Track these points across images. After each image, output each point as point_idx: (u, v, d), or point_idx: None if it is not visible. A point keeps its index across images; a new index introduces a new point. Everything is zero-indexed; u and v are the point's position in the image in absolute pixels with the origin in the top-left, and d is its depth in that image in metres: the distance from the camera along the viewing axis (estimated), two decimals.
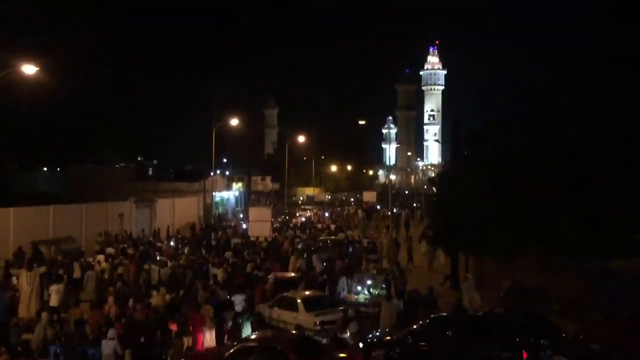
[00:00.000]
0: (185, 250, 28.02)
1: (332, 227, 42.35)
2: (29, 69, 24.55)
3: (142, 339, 14.08)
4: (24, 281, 17.02)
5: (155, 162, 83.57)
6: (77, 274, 21.31)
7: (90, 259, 24.22)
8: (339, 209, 63.32)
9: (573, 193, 18.82)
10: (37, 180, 77.62)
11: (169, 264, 23.08)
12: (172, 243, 32.64)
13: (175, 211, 43.32)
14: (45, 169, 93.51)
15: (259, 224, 34.73)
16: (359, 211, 56.69)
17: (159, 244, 31.31)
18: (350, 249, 30.03)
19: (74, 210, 32.81)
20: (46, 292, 17.43)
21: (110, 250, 26.48)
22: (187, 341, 14.87)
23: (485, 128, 24.19)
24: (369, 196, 65.86)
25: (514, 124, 22.12)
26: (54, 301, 17.16)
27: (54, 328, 14.27)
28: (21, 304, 16.73)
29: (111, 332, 13.35)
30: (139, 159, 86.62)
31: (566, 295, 18.28)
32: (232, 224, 45.33)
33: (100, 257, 24.30)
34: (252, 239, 33.18)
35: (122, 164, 70.79)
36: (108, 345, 13.12)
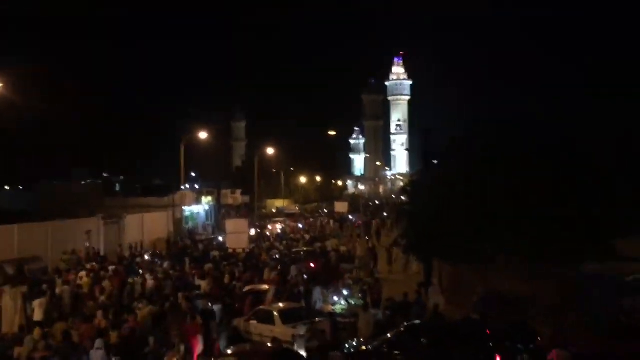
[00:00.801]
0: (165, 264, 27.90)
1: (307, 237, 42.43)
2: None
3: (135, 349, 14.14)
4: (7, 298, 17.26)
5: (122, 177, 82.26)
6: (59, 289, 21.12)
7: (73, 276, 23.89)
8: (311, 219, 63.54)
9: (547, 200, 19.15)
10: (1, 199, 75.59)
11: (149, 277, 23.27)
12: (146, 257, 32.36)
13: (145, 226, 42.62)
14: (7, 187, 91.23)
15: (235, 235, 34.64)
16: (331, 221, 57.02)
17: (137, 259, 31.11)
18: (324, 259, 30.00)
19: (39, 228, 31.94)
20: (29, 308, 17.62)
21: (90, 266, 26.38)
22: (182, 350, 14.86)
23: (457, 140, 24.54)
24: (341, 206, 66.33)
25: (488, 133, 22.46)
26: (38, 315, 17.38)
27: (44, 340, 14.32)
28: (4, 320, 16.91)
29: (98, 342, 13.46)
30: (104, 175, 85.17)
31: (541, 301, 18.52)
32: (212, 236, 45.16)
33: (82, 273, 24.14)
34: (229, 251, 33.10)
35: (89, 181, 69.46)
36: (97, 355, 13.21)
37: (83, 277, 23.48)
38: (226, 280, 23.41)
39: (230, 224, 37.23)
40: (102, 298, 19.77)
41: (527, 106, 21.72)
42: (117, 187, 64.58)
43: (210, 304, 18.49)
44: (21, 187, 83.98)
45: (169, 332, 15.50)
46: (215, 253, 32.92)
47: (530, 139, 20.83)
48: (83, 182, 66.56)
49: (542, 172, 19.49)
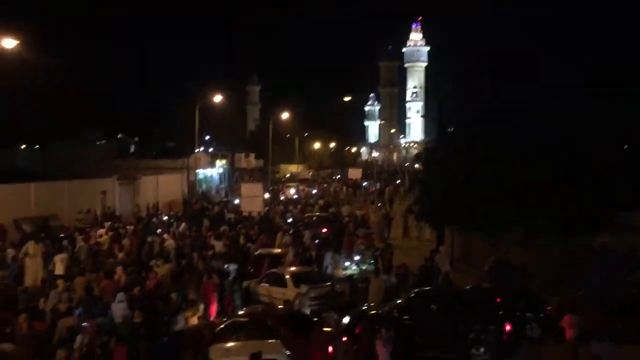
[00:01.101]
0: (182, 225, 28.38)
1: (320, 202, 42.70)
2: (8, 43, 24.01)
3: (157, 304, 14.61)
4: (31, 252, 17.95)
5: (136, 139, 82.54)
6: (79, 246, 21.85)
7: (93, 233, 24.77)
8: (325, 185, 63.83)
9: (559, 170, 19.00)
10: (14, 158, 76.35)
11: (167, 237, 24.17)
12: (164, 217, 33.04)
13: (159, 188, 42.99)
14: (22, 147, 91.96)
15: (250, 199, 35.15)
16: (344, 187, 57.25)
17: (154, 219, 31.75)
18: (338, 225, 30.32)
19: (55, 187, 32.37)
20: (51, 263, 18.47)
21: (109, 224, 27.32)
22: (201, 309, 15.42)
23: (472, 107, 24.28)
24: (354, 173, 66.51)
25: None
26: (59, 270, 18.13)
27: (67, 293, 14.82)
28: (27, 273, 17.55)
29: (120, 296, 14.00)
30: (119, 136, 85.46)
31: (549, 272, 18.54)
32: (225, 199, 45.88)
33: (101, 231, 24.98)
34: (244, 213, 33.60)
35: (103, 142, 69.85)
36: (118, 308, 13.61)
37: (102, 234, 24.24)
38: (241, 241, 24.06)
39: (245, 188, 37.88)
40: (121, 255, 20.43)
41: (527, 106, 21.29)
42: (132, 149, 64.84)
43: (225, 265, 19.14)
44: (36, 147, 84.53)
45: (187, 290, 15.95)
46: (230, 215, 33.62)
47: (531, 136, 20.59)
48: (98, 143, 66.95)
49: (543, 166, 19.35)
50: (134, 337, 12.03)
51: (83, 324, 12.08)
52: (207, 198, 47.37)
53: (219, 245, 22.56)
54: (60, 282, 15.47)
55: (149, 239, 23.60)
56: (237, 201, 40.28)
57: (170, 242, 22.82)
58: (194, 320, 14.79)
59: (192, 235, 25.06)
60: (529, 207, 18.91)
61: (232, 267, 19.06)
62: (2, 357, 9.50)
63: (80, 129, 78.48)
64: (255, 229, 27.66)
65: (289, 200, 45.58)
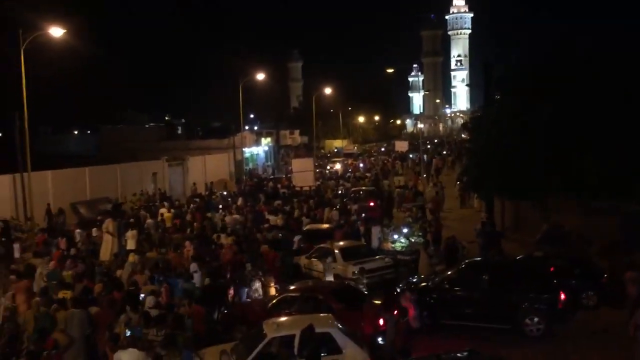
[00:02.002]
0: (239, 200, 29.97)
1: (368, 175, 43.12)
2: (56, 32, 24.66)
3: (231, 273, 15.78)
4: (110, 229, 19.50)
5: (183, 120, 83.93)
6: (147, 223, 23.72)
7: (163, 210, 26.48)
8: (372, 159, 63.95)
9: (611, 132, 18.33)
10: (69, 143, 78.84)
11: (225, 212, 25.82)
12: (224, 193, 34.87)
13: (207, 168, 43.71)
14: (75, 132, 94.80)
15: (302, 174, 36.01)
16: (390, 160, 57.03)
17: (213, 196, 33.27)
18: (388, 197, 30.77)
19: (108, 171, 33.34)
20: (123, 238, 20.15)
21: (176, 202, 29.50)
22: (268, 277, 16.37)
23: (518, 71, 23.55)
24: (401, 145, 66.88)
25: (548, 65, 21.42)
26: (131, 245, 19.74)
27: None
28: (103, 248, 19.14)
29: (193, 266, 15.27)
30: (166, 118, 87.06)
31: (605, 238, 18.02)
32: (271, 176, 47.28)
33: (164, 209, 26.29)
34: (296, 188, 34.81)
35: (152, 124, 71.26)
36: (195, 277, 14.73)
37: (164, 212, 25.58)
38: (296, 215, 25.14)
39: (297, 163, 38.81)
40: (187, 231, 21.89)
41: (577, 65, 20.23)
42: (179, 130, 65.91)
43: (279, 234, 20.48)
44: (89, 131, 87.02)
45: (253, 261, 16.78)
46: (284, 190, 35.08)
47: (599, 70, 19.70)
48: (147, 126, 68.32)
49: (610, 102, 18.57)
50: (208, 302, 13.31)
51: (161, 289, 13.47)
52: (254, 176, 47.98)
53: (275, 219, 23.62)
54: (131, 255, 16.65)
55: (209, 214, 25.13)
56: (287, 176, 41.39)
57: (235, 217, 24.20)
58: (272, 290, 15.93)
59: (250, 210, 26.28)
60: (583, 171, 18.34)
61: (296, 238, 20.35)
62: (89, 317, 11.27)
63: (128, 112, 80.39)
64: (309, 202, 28.49)
65: (341, 174, 46.20)
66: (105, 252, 18.96)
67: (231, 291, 15.01)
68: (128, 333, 10.41)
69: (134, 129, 63.23)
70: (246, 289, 15.32)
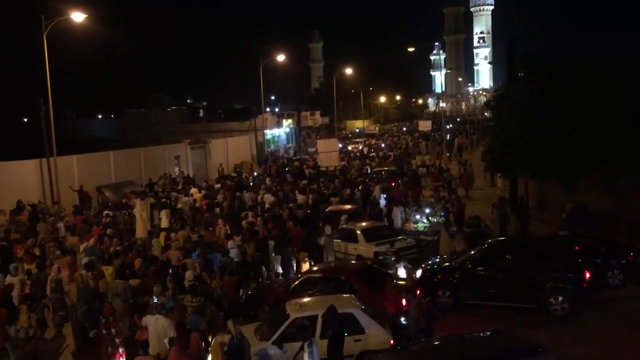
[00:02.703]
0: (267, 180, 31.03)
1: (391, 154, 43.62)
2: (78, 17, 24.83)
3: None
4: (139, 208, 20.11)
5: (204, 103, 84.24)
6: (180, 203, 24.85)
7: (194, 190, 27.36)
8: (395, 138, 63.97)
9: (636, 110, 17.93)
10: (93, 127, 79.75)
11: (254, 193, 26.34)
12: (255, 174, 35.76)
13: (229, 150, 43.93)
14: (99, 116, 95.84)
15: (327, 154, 36.51)
16: (420, 140, 57.19)
17: (244, 176, 34.56)
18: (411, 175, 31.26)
19: (132, 154, 33.70)
20: (156, 217, 21.15)
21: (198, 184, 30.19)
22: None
23: (543, 48, 23.09)
24: (424, 125, 67.07)
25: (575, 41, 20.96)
26: (164, 223, 20.92)
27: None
28: (137, 226, 19.94)
29: (231, 243, 16.09)
30: (188, 100, 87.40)
31: (633, 216, 17.74)
32: (294, 157, 47.56)
33: (194, 189, 27.19)
34: (322, 168, 35.37)
35: (174, 107, 71.66)
36: (232, 253, 15.53)
37: (194, 193, 26.34)
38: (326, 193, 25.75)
39: (322, 143, 39.24)
40: (217, 210, 22.63)
41: (602, 40, 19.68)
42: (201, 113, 66.22)
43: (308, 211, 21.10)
44: (112, 116, 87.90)
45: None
46: (310, 170, 35.80)
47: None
48: (168, 109, 68.69)
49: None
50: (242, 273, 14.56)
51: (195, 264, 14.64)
52: (276, 157, 48.16)
53: (304, 198, 24.28)
54: (162, 234, 17.81)
55: (238, 193, 26.02)
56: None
57: (267, 196, 24.77)
58: (306, 265, 16.54)
59: (279, 190, 27.07)
60: (609, 148, 18.00)
61: (343, 216, 20.11)
62: (131, 288, 12.62)
63: (151, 96, 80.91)
64: (335, 182, 28.84)
65: (364, 154, 46.57)
66: (140, 230, 19.71)
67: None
68: (156, 300, 11.46)
69: (157, 113, 63.59)
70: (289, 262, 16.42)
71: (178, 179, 33.20)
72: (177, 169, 36.69)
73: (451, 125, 74.20)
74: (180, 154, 37.78)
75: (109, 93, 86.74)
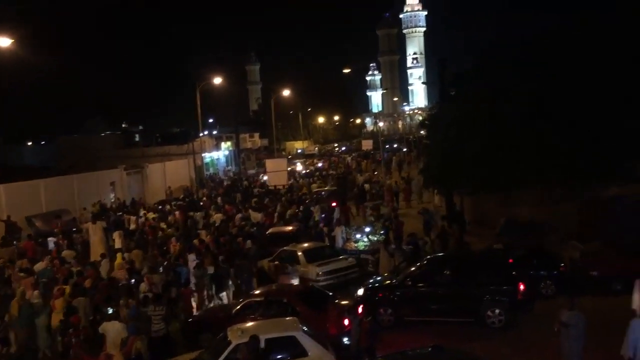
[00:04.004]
0: (218, 199, 32.41)
1: (333, 172, 45.35)
2: (3, 42, 23.93)
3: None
4: (91, 231, 21.11)
5: (140, 127, 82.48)
6: (133, 225, 25.88)
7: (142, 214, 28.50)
8: (336, 158, 65.41)
9: (566, 125, 18.81)
10: (22, 154, 76.56)
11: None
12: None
13: (167, 175, 43.11)
14: (29, 143, 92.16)
15: (275, 174, 37.56)
16: (360, 158, 58.51)
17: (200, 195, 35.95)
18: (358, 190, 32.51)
19: (64, 182, 32.49)
20: (110, 238, 22.07)
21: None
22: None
23: (474, 68, 23.98)
24: (366, 144, 70.30)
25: (505, 60, 21.84)
26: (118, 244, 21.63)
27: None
28: (92, 249, 20.84)
29: (192, 257, 17.54)
30: (124, 125, 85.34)
31: (564, 226, 18.49)
32: (255, 177, 48.59)
33: (149, 214, 28.23)
34: (270, 187, 36.67)
35: (108, 132, 69.85)
36: (193, 265, 16.92)
37: (150, 215, 27.46)
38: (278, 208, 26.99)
39: (271, 163, 40.67)
40: (170, 230, 23.53)
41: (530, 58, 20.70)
42: (137, 138, 64.76)
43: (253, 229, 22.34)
44: (43, 142, 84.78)
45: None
46: (258, 189, 37.47)
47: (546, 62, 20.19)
48: (103, 134, 66.93)
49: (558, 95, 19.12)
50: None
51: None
52: (214, 181, 47.80)
53: (256, 216, 25.34)
54: (119, 255, 18.70)
55: (191, 213, 26.97)
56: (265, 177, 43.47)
57: (218, 215, 26.05)
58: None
59: (230, 209, 28.21)
60: (539, 162, 18.77)
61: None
62: (90, 304, 13.77)
63: (84, 121, 78.65)
64: (282, 200, 29.93)
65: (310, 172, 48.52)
66: (94, 252, 20.57)
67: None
68: (110, 311, 13.07)
69: (91, 138, 61.75)
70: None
71: (113, 206, 32.31)
72: (112, 195, 35.67)
73: (396, 145, 76.02)
74: (116, 180, 36.77)
75: (39, 119, 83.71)
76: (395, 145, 74.39)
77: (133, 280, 15.98)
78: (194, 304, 15.78)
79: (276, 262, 17.84)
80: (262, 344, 10.22)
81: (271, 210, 26.63)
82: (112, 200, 34.49)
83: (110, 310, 13.09)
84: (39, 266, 17.71)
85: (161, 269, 17.07)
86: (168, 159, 46.68)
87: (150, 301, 13.31)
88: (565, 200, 19.47)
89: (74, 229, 25.42)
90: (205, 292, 16.41)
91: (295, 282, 16.98)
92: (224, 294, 16.94)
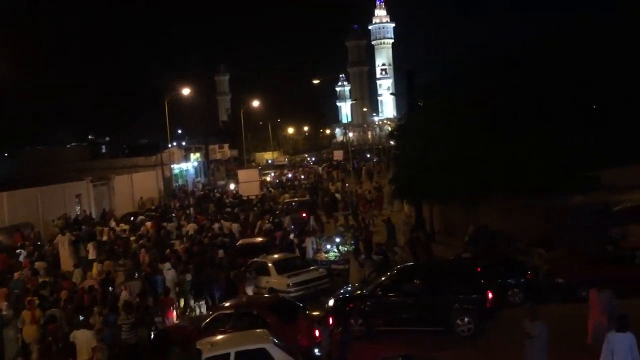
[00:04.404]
0: (190, 210, 32.94)
1: (305, 182, 45.77)
2: None
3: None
4: (61, 243, 21.59)
5: (107, 139, 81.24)
6: (105, 236, 26.13)
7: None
8: (308, 168, 66.47)
9: (530, 135, 19.19)
10: None
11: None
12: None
13: (134, 187, 42.51)
14: None
15: (248, 184, 38.24)
16: (331, 169, 58.67)
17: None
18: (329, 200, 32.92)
19: (28, 194, 31.75)
20: (83, 249, 22.38)
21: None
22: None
23: (441, 80, 24.35)
24: (338, 154, 70.91)
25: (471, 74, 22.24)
26: (91, 255, 21.97)
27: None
28: (62, 260, 21.37)
29: (167, 265, 17.70)
30: (90, 137, 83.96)
31: (530, 234, 18.79)
32: (201, 192, 47.36)
33: (123, 225, 28.59)
34: (243, 197, 36.99)
35: (74, 144, 68.59)
36: (169, 274, 17.22)
37: (123, 226, 28.13)
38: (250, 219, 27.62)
39: (243, 174, 41.34)
40: (143, 241, 23.52)
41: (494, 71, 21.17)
42: (104, 149, 63.72)
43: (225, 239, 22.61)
44: (5, 155, 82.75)
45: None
46: (230, 199, 37.68)
47: (506, 72, 20.64)
48: (68, 146, 65.71)
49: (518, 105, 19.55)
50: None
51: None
52: (184, 192, 47.31)
53: (229, 225, 25.72)
54: (95, 265, 19.44)
55: (164, 224, 27.22)
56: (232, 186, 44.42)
57: (191, 225, 26.48)
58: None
59: (203, 219, 28.71)
60: (505, 172, 19.08)
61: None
62: (64, 315, 14.06)
63: (50, 133, 77.16)
64: (255, 210, 30.30)
65: (282, 182, 48.46)
66: (64, 263, 21.06)
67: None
68: (81, 318, 13.50)
69: (56, 150, 60.52)
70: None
71: (79, 218, 31.68)
72: (78, 208, 35.00)
73: (369, 155, 76.61)
74: (82, 192, 36.10)
75: (1, 132, 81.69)
76: (368, 155, 74.95)
77: (110, 288, 16.56)
78: (174, 313, 15.72)
79: (238, 270, 18.17)
80: (233, 357, 10.12)
81: (249, 221, 27.13)
82: (78, 213, 33.82)
83: (81, 318, 13.46)
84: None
85: (136, 275, 17.54)
86: (135, 171, 46.06)
87: (122, 309, 13.53)
88: (531, 209, 19.81)
89: (39, 242, 24.94)
90: (184, 300, 17.06)
91: (250, 289, 17.36)
92: (202, 302, 17.03)
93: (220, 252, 20.31)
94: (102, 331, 12.74)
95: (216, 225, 25.85)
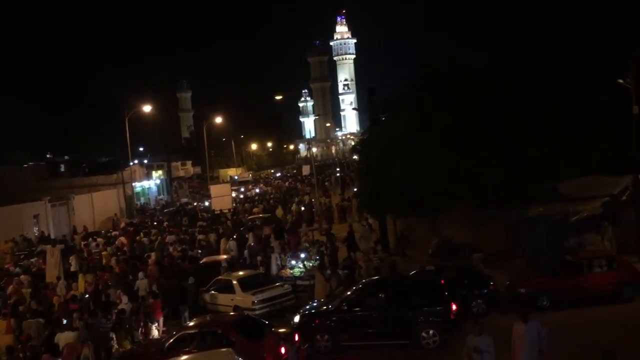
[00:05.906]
0: (165, 223, 34.21)
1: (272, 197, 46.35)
2: None
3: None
4: (49, 255, 21.84)
5: (66, 157, 79.51)
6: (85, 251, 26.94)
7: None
8: (275, 182, 67.20)
9: (491, 149, 19.54)
10: None
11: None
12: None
13: (95, 206, 41.60)
14: None
15: (220, 198, 38.19)
16: (298, 183, 58.98)
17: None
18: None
19: None
20: (66, 262, 22.87)
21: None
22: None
23: (400, 95, 24.67)
24: (306, 169, 71.51)
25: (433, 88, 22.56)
26: (74, 267, 22.99)
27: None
28: (47, 272, 21.65)
29: (141, 274, 18.79)
30: (48, 155, 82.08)
31: (492, 246, 19.08)
32: (165, 210, 47.12)
33: (100, 239, 29.48)
34: (216, 212, 37.42)
35: (31, 163, 66.83)
36: (142, 283, 18.26)
37: (100, 242, 28.92)
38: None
39: (215, 188, 41.62)
40: (119, 255, 24.70)
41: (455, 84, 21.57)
42: (62, 168, 62.21)
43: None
44: None
45: None
46: (204, 214, 38.82)
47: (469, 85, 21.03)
48: (25, 165, 63.95)
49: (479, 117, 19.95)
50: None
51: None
52: (145, 211, 46.63)
53: (205, 238, 26.99)
54: (81, 276, 20.76)
55: (138, 237, 28.43)
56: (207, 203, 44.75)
57: (171, 237, 27.62)
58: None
59: (178, 232, 29.80)
60: (466, 185, 19.37)
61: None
62: (35, 325, 14.82)
63: (6, 152, 75.02)
64: (227, 224, 31.24)
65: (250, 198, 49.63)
66: (49, 274, 21.30)
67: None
68: (65, 322, 14.66)
69: (11, 170, 58.83)
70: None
71: (35, 240, 30.85)
72: (35, 229, 34.06)
73: (338, 169, 77.04)
74: (40, 212, 35.15)
75: None
76: (337, 169, 75.36)
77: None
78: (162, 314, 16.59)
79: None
80: None
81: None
82: (36, 234, 32.92)
83: (65, 321, 14.68)
84: None
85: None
86: (96, 190, 45.09)
87: (100, 315, 14.80)
88: (492, 221, 20.13)
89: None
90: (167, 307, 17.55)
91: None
92: (186, 313, 17.13)
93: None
94: (82, 334, 13.41)
95: (201, 236, 27.31)
